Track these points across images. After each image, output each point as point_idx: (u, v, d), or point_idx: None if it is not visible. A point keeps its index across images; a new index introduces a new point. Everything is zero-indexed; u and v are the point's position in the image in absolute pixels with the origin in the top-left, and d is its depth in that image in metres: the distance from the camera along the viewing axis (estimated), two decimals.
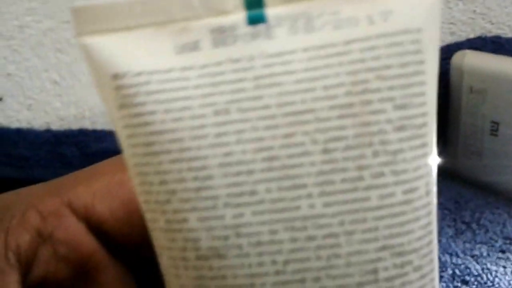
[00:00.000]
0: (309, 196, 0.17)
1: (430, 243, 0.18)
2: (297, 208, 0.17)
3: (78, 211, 0.20)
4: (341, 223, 0.17)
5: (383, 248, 0.17)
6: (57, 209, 0.20)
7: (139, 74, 0.17)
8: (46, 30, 0.46)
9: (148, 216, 0.18)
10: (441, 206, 0.37)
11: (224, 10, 0.17)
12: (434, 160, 0.18)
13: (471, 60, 0.42)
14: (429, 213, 0.18)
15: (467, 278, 0.31)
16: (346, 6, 0.17)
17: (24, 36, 0.46)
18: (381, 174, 0.17)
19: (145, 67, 0.17)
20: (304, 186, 0.17)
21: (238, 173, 0.17)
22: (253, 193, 0.17)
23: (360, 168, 0.17)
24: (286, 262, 0.17)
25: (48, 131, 0.44)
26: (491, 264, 0.32)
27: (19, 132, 0.43)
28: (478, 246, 0.34)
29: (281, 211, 0.17)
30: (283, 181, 0.17)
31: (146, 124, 0.17)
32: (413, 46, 0.17)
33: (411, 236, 0.17)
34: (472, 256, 0.33)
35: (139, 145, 0.17)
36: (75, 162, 0.41)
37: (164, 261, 0.18)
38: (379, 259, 0.17)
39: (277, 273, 0.17)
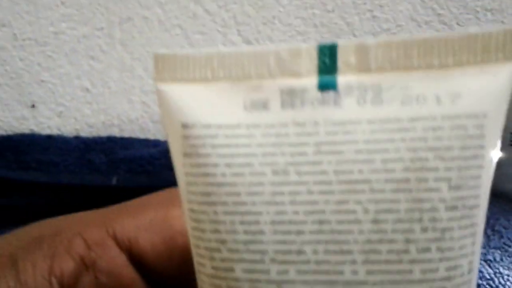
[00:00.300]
0: (354, 262, 0.17)
1: None
2: (341, 272, 0.17)
3: (122, 243, 0.21)
4: None
5: None
6: (102, 239, 0.21)
7: (207, 126, 0.18)
8: (80, 37, 0.47)
9: (196, 259, 0.18)
10: None
11: (297, 72, 0.18)
12: (480, 239, 0.18)
13: None
14: None
15: (479, 281, 0.31)
16: (416, 83, 0.17)
17: (59, 42, 0.47)
18: (427, 250, 0.17)
19: (214, 120, 0.18)
20: (350, 252, 0.17)
21: (288, 232, 0.17)
22: (300, 252, 0.17)
23: (408, 241, 0.17)
24: None
25: (77, 138, 0.45)
26: (503, 269, 0.32)
27: (49, 138, 0.44)
28: (491, 251, 0.34)
29: (325, 273, 0.17)
30: (330, 245, 0.17)
31: (208, 175, 0.18)
32: (477, 131, 0.17)
33: None
34: (486, 261, 0.33)
35: (198, 193, 0.18)
36: (103, 168, 0.42)
37: None
38: None
39: None
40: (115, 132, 0.47)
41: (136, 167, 0.41)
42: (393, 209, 0.17)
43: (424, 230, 0.17)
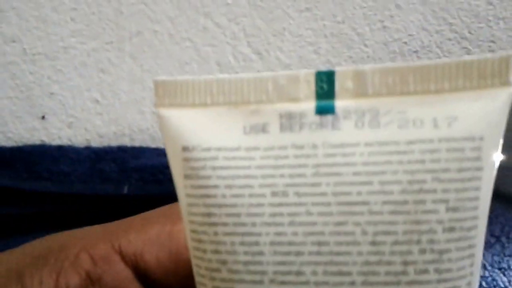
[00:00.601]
0: (352, 283, 0.17)
1: None
2: None
3: (127, 258, 0.21)
4: None
5: None
6: (108, 254, 0.21)
7: (208, 149, 0.18)
8: (90, 51, 0.48)
9: (197, 279, 0.19)
10: None
11: (295, 97, 0.18)
12: (479, 261, 0.18)
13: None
14: None
15: None
16: (413, 107, 0.18)
17: (68, 56, 0.48)
18: (425, 271, 0.17)
19: (214, 143, 0.18)
20: (348, 273, 0.17)
21: (288, 253, 0.18)
22: (299, 273, 0.18)
23: (406, 263, 0.17)
24: None
25: (88, 148, 0.46)
26: None
27: (60, 149, 0.45)
28: (506, 259, 0.34)
29: None
30: (329, 266, 0.18)
31: (208, 196, 0.18)
32: (473, 153, 0.17)
33: None
34: (500, 269, 0.33)
35: (198, 214, 0.18)
36: (114, 177, 0.43)
37: None
38: None
39: None
40: (126, 142, 0.47)
41: (147, 176, 0.42)
42: (391, 231, 0.17)
43: (422, 251, 0.17)
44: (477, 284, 0.18)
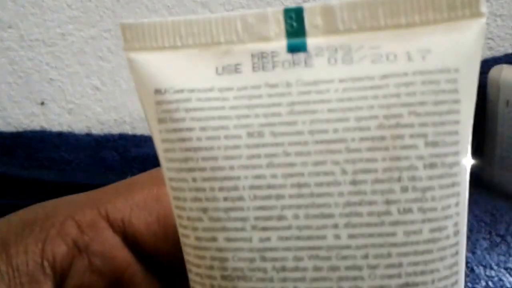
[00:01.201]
0: (335, 226, 0.17)
1: (455, 283, 0.18)
2: (323, 237, 0.17)
3: (115, 224, 0.21)
4: (365, 256, 0.17)
5: (406, 285, 0.17)
6: (95, 221, 0.21)
7: (180, 91, 0.18)
8: (88, 38, 0.48)
9: (180, 230, 0.18)
10: (476, 218, 0.37)
11: (266, 36, 0.18)
12: (465, 200, 0.18)
13: (508, 75, 0.43)
14: (456, 253, 0.18)
15: None
16: (385, 42, 0.17)
17: (66, 43, 0.48)
18: (409, 210, 0.17)
19: (186, 85, 0.18)
20: (331, 215, 0.17)
21: (267, 197, 0.17)
22: (280, 218, 0.17)
23: (388, 202, 0.17)
24: None
25: (88, 135, 0.46)
26: None
27: (60, 135, 0.45)
28: None
29: (307, 238, 0.17)
30: (311, 209, 0.17)
31: (183, 140, 0.18)
32: (449, 85, 0.17)
33: (435, 275, 0.17)
34: (506, 269, 0.33)
35: (175, 160, 0.18)
36: (115, 166, 0.43)
37: (192, 277, 0.19)
38: None
39: None
40: (127, 130, 0.47)
41: (149, 164, 0.42)
42: (371, 168, 0.17)
43: (404, 190, 0.17)
44: (465, 227, 0.18)
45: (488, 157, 0.44)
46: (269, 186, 0.17)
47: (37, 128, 0.47)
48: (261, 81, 0.18)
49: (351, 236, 0.17)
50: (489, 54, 0.49)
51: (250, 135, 0.17)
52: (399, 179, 0.17)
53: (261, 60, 0.18)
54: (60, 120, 0.47)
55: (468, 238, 0.34)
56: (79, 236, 0.20)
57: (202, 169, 0.18)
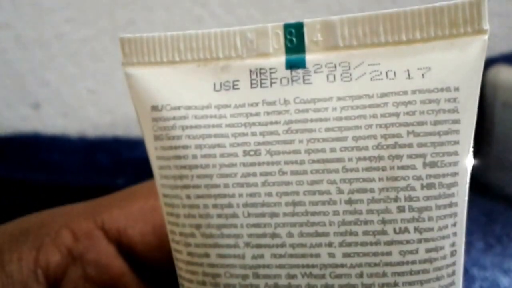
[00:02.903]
0: (330, 244, 0.17)
1: None
2: (317, 255, 0.17)
3: (110, 234, 0.21)
4: (360, 275, 0.17)
5: None
6: (90, 231, 0.21)
7: (177, 108, 0.18)
8: (83, 39, 0.48)
9: (173, 246, 0.19)
10: (471, 219, 0.38)
11: (265, 52, 0.18)
12: (463, 220, 0.18)
13: (505, 75, 0.42)
14: (453, 273, 0.18)
15: None
16: (385, 59, 0.17)
17: (62, 44, 0.48)
18: (405, 230, 0.17)
19: (183, 102, 0.18)
20: (325, 234, 0.17)
21: (262, 215, 0.17)
22: (274, 235, 0.17)
23: (384, 222, 0.17)
24: None
25: (82, 139, 0.46)
26: None
27: (54, 139, 0.45)
28: (507, 260, 0.34)
29: (301, 256, 0.17)
30: (305, 227, 0.17)
31: (178, 157, 0.18)
32: (449, 105, 0.17)
33: None
34: (501, 270, 0.33)
35: (170, 177, 0.18)
36: (109, 169, 0.42)
37: None
38: None
39: None
40: (121, 133, 0.47)
41: (143, 168, 0.41)
42: (367, 188, 0.17)
43: (401, 210, 0.17)
44: (462, 247, 0.18)
45: (485, 158, 0.44)
46: (264, 204, 0.17)
47: (30, 131, 0.47)
48: (259, 98, 0.18)
49: (346, 255, 0.17)
50: (486, 54, 0.49)
51: (246, 153, 0.17)
52: (396, 199, 0.17)
53: (259, 77, 0.18)
54: (54, 123, 0.47)
55: None
56: (73, 245, 0.21)
57: (197, 187, 0.18)
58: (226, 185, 0.18)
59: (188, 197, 0.18)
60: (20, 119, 0.47)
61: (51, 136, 0.45)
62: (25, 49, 0.47)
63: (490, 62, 0.44)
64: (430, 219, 0.17)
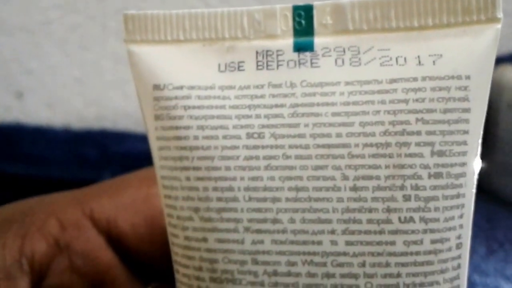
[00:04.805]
0: (333, 232, 0.18)
1: None
2: (319, 242, 0.18)
3: (99, 224, 0.21)
4: (362, 264, 0.18)
5: None
6: (78, 220, 0.21)
7: (179, 87, 0.18)
8: (71, 26, 0.48)
9: (169, 230, 0.19)
10: (473, 224, 0.38)
11: (272, 34, 0.18)
12: (470, 212, 0.18)
13: (511, 75, 0.42)
14: (458, 267, 0.18)
15: None
16: (396, 44, 0.18)
17: (48, 31, 0.48)
18: (410, 220, 0.17)
19: (186, 81, 0.18)
20: (328, 221, 0.18)
21: (263, 199, 0.18)
22: (275, 221, 0.18)
23: (389, 210, 0.17)
24: None
25: (68, 130, 0.46)
26: None
27: (38, 130, 0.45)
28: (509, 265, 0.34)
29: (302, 243, 0.18)
30: (308, 213, 0.18)
31: (179, 138, 0.18)
32: (460, 93, 0.17)
33: None
34: (503, 276, 0.33)
35: (169, 159, 0.18)
36: (94, 163, 0.42)
37: (179, 278, 0.19)
38: None
39: None
40: (108, 125, 0.47)
41: (130, 163, 0.41)
42: (373, 175, 0.17)
43: (407, 198, 0.17)
44: (468, 240, 0.18)
45: (488, 162, 0.44)
46: (266, 188, 0.18)
47: (13, 121, 0.46)
48: (265, 81, 0.18)
49: (348, 243, 0.18)
50: None
51: (249, 136, 0.18)
52: (402, 187, 0.17)
53: (265, 59, 0.18)
54: (38, 114, 0.47)
55: None
56: (60, 234, 0.20)
57: (197, 168, 0.18)
58: (227, 168, 0.18)
59: (188, 179, 0.18)
60: (2, 109, 0.47)
61: (34, 127, 0.44)
62: (9, 35, 0.47)
63: (495, 62, 0.44)
64: (436, 209, 0.17)
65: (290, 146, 0.18)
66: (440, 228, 0.18)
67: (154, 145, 0.19)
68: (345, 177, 0.17)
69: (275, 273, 0.18)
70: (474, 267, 0.34)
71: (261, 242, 0.18)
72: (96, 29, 0.47)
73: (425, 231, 0.18)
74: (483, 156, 0.45)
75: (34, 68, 0.48)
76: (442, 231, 0.18)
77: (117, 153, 0.42)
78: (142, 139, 0.44)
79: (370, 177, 0.17)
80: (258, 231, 0.18)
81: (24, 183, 0.40)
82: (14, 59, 0.48)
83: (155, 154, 0.19)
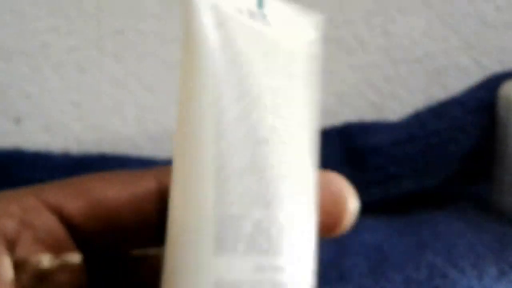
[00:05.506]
0: None
1: None
2: None
3: (52, 207, 0.24)
4: None
5: None
6: (36, 205, 0.24)
7: None
8: (69, 49, 0.48)
9: None
10: (485, 245, 0.38)
11: None
12: None
13: None
14: None
15: None
16: None
17: (46, 54, 0.48)
18: None
19: None
20: None
21: None
22: None
23: None
24: None
25: (66, 155, 0.46)
26: None
27: (36, 155, 0.45)
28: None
29: None
30: None
31: None
32: None
33: None
34: None
35: None
36: None
37: None
38: None
39: None
40: (107, 150, 0.47)
41: None
42: None
43: None
44: None
45: (498, 182, 0.43)
46: None
47: (11, 147, 0.47)
48: None
49: None
50: (499, 68, 0.48)
51: None
52: None
53: None
54: (36, 138, 0.48)
55: (476, 265, 0.35)
56: (23, 215, 0.23)
57: None
58: None
59: None
60: (1, 134, 0.48)
61: (33, 153, 0.45)
62: (6, 59, 0.48)
63: (504, 77, 0.44)
64: None
65: None
66: None
67: None
68: None
69: None
70: None
71: None
72: (94, 52, 0.48)
73: None
74: (493, 177, 0.45)
75: (31, 92, 0.48)
76: None
77: None
78: (141, 163, 0.44)
79: None
80: None
81: None
82: (11, 84, 0.48)
83: None
